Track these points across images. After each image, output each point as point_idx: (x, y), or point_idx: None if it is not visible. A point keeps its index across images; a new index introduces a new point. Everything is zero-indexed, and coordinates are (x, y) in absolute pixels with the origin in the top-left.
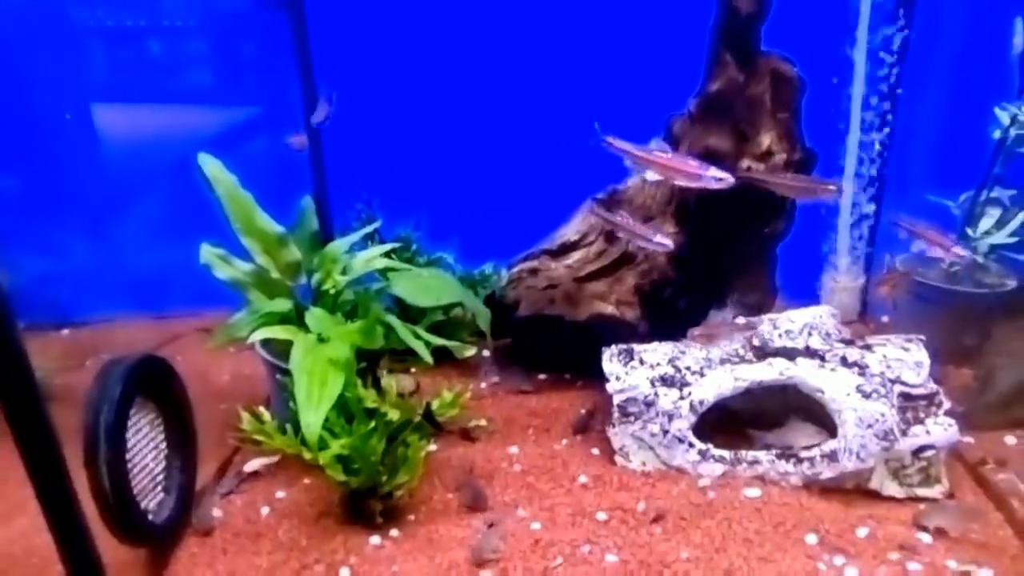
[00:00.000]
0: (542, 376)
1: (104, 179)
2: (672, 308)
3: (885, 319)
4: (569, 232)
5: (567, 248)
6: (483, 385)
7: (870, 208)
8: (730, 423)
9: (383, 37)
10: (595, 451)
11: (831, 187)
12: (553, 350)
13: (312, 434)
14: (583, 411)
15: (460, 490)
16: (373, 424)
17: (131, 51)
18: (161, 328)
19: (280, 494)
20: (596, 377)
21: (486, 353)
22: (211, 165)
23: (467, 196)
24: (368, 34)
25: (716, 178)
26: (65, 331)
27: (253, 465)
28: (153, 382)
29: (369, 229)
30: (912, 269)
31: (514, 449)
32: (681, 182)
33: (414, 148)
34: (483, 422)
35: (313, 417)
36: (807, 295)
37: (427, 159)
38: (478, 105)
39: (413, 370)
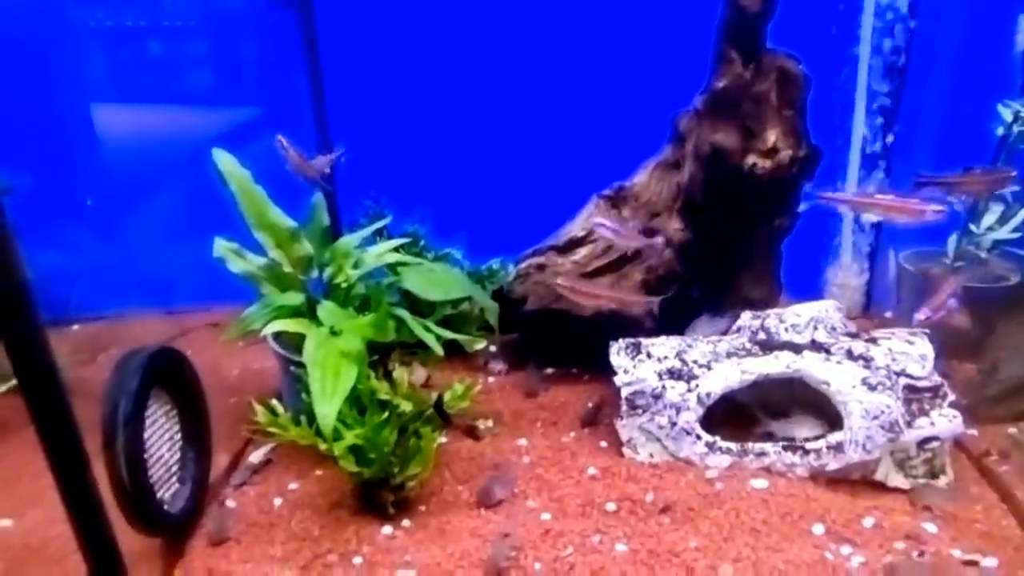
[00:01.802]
0: (549, 370)
1: (114, 176)
2: (678, 303)
3: (888, 314)
4: (576, 228)
5: (574, 244)
6: (491, 380)
7: None
8: (736, 416)
9: (391, 35)
10: (603, 443)
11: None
12: (560, 344)
13: (327, 425)
14: (590, 404)
15: (474, 481)
16: (386, 415)
17: (141, 51)
18: (170, 323)
19: (292, 485)
20: (602, 371)
21: (493, 348)
22: (225, 160)
23: (474, 192)
24: (376, 32)
25: (936, 211)
26: (75, 326)
27: (257, 456)
28: (169, 374)
29: (380, 224)
30: (916, 265)
31: (523, 441)
32: (902, 219)
33: (421, 145)
34: (489, 423)
35: (328, 408)
36: (811, 290)
37: (434, 155)
38: (485, 102)
39: (422, 364)
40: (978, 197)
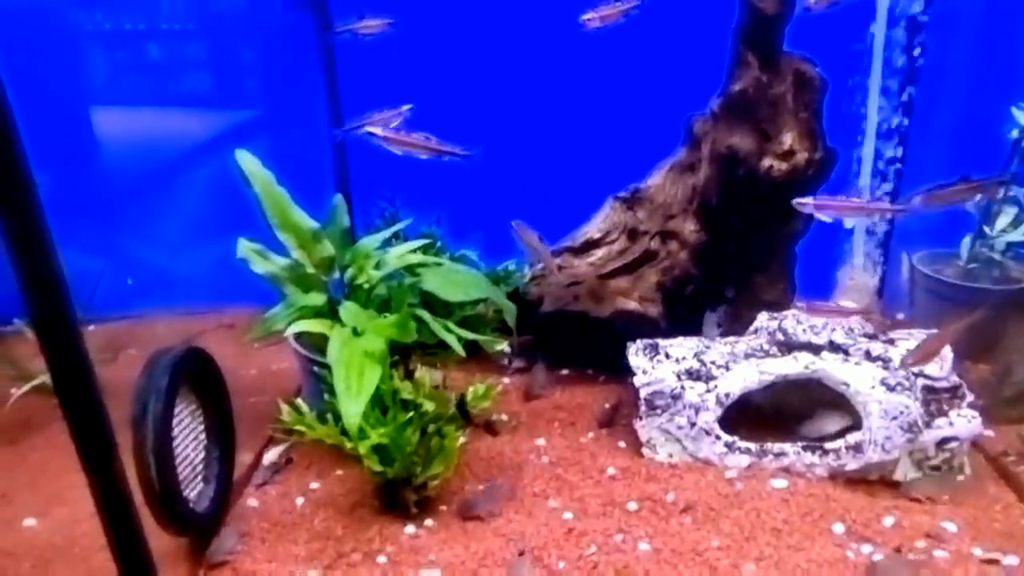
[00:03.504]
0: (565, 371)
1: (129, 178)
2: (693, 304)
3: (900, 316)
4: (592, 230)
5: (590, 245)
6: (506, 380)
7: None
8: (752, 416)
9: (406, 36)
10: (621, 444)
11: None
12: (576, 346)
13: (353, 424)
14: (607, 405)
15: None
16: (411, 415)
17: (155, 54)
18: (185, 324)
19: (314, 485)
20: (618, 372)
21: (507, 349)
22: (248, 161)
23: (489, 193)
24: (391, 33)
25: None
26: (91, 327)
27: (271, 456)
28: (195, 373)
29: (400, 226)
30: (930, 267)
31: (541, 441)
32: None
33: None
34: (504, 417)
35: (354, 407)
36: (823, 292)
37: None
38: (499, 103)
39: (439, 365)
40: None
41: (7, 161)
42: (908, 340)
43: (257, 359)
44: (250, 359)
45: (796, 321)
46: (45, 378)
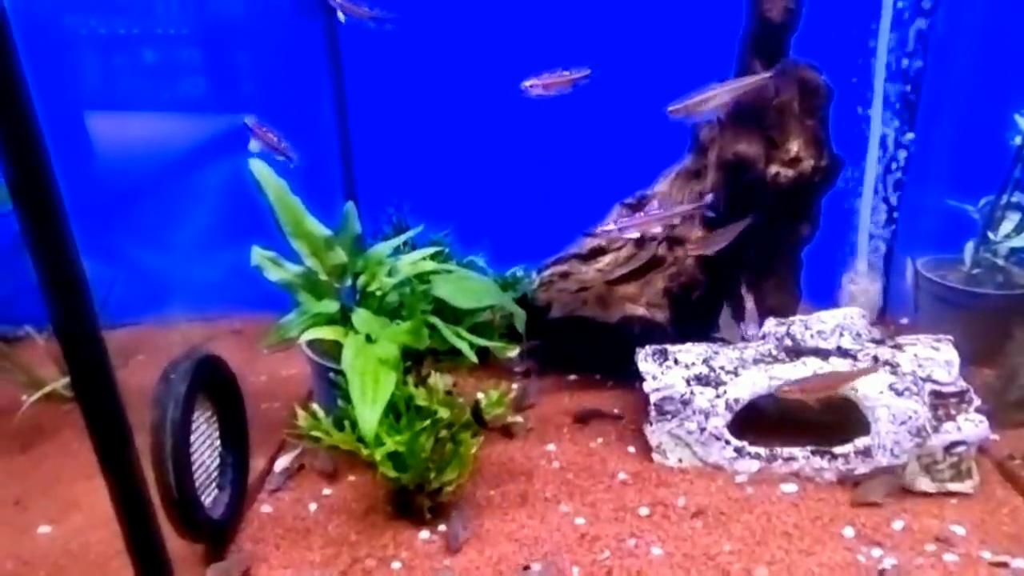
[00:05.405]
0: (572, 377)
1: (138, 184)
2: (700, 310)
3: (904, 321)
4: None
5: (597, 252)
6: (515, 386)
7: (890, 211)
8: (760, 421)
9: (413, 43)
10: (631, 449)
11: None
12: (583, 351)
13: (369, 430)
14: (615, 410)
15: (506, 487)
16: (428, 422)
17: (171, 58)
18: (194, 330)
19: (326, 491)
20: (626, 378)
21: (513, 355)
22: (261, 169)
23: (496, 200)
24: (398, 40)
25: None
26: None
27: (284, 462)
28: (211, 380)
29: (412, 233)
30: (934, 272)
31: (551, 447)
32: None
33: (443, 153)
34: (519, 418)
35: (370, 414)
36: (827, 297)
37: (456, 164)
38: (507, 110)
39: (449, 370)
40: None
41: (33, 167)
42: (915, 345)
43: (266, 365)
44: (259, 365)
45: (804, 327)
46: (56, 385)
